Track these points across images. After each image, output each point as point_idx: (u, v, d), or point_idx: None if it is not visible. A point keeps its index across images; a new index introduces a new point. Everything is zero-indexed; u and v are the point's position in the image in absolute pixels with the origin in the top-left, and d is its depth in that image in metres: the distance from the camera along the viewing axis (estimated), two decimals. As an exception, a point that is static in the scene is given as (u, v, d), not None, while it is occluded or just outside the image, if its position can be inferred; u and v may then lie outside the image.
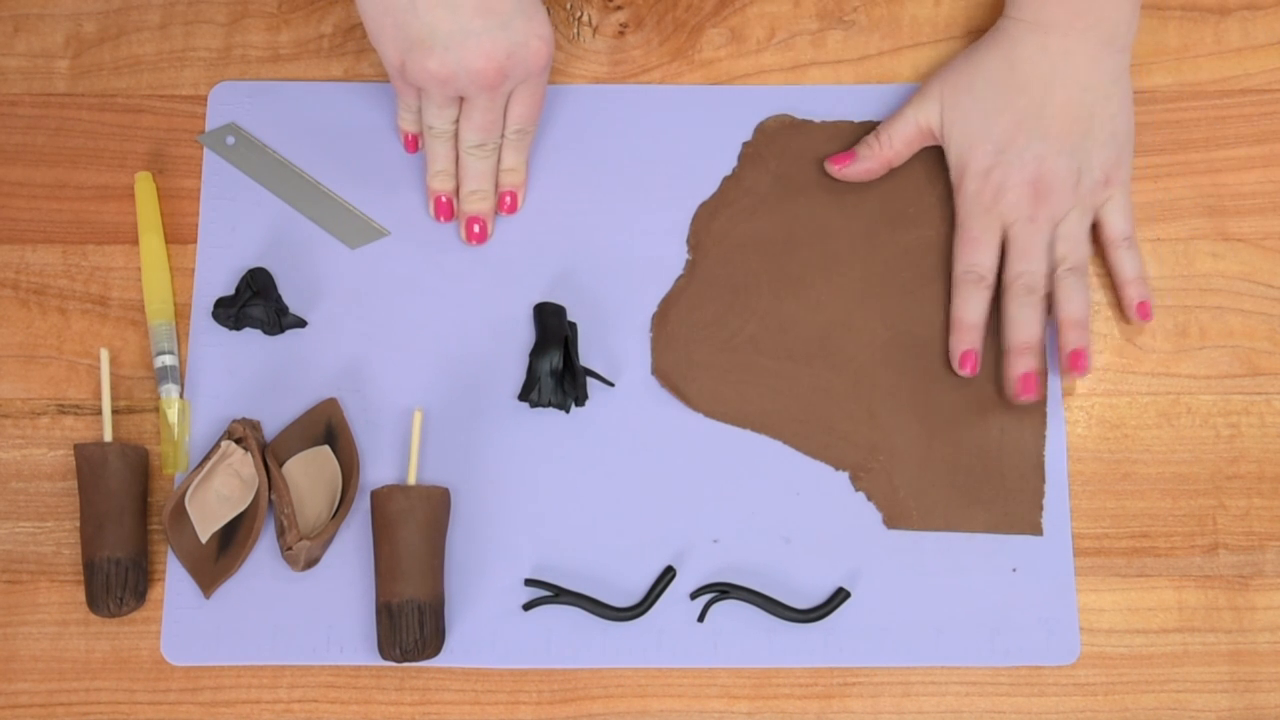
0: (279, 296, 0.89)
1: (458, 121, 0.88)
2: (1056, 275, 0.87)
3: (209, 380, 0.89)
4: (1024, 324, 0.86)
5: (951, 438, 0.88)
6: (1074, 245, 0.87)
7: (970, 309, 0.87)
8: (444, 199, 0.90)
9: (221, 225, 0.92)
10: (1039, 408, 0.88)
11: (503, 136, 0.89)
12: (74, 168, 0.93)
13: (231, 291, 0.89)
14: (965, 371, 0.87)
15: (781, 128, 0.93)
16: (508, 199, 0.90)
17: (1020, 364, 0.86)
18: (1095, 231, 0.89)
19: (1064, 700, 0.84)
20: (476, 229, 0.90)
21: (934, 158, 0.92)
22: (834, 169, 0.91)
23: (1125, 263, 0.88)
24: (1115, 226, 0.88)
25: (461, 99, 0.86)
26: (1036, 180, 0.86)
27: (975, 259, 0.87)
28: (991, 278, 0.87)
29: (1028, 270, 0.86)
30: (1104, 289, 0.91)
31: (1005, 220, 0.87)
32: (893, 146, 0.90)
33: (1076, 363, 0.86)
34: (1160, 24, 0.95)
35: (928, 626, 0.85)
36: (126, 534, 0.84)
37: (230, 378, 0.89)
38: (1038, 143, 0.86)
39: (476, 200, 0.89)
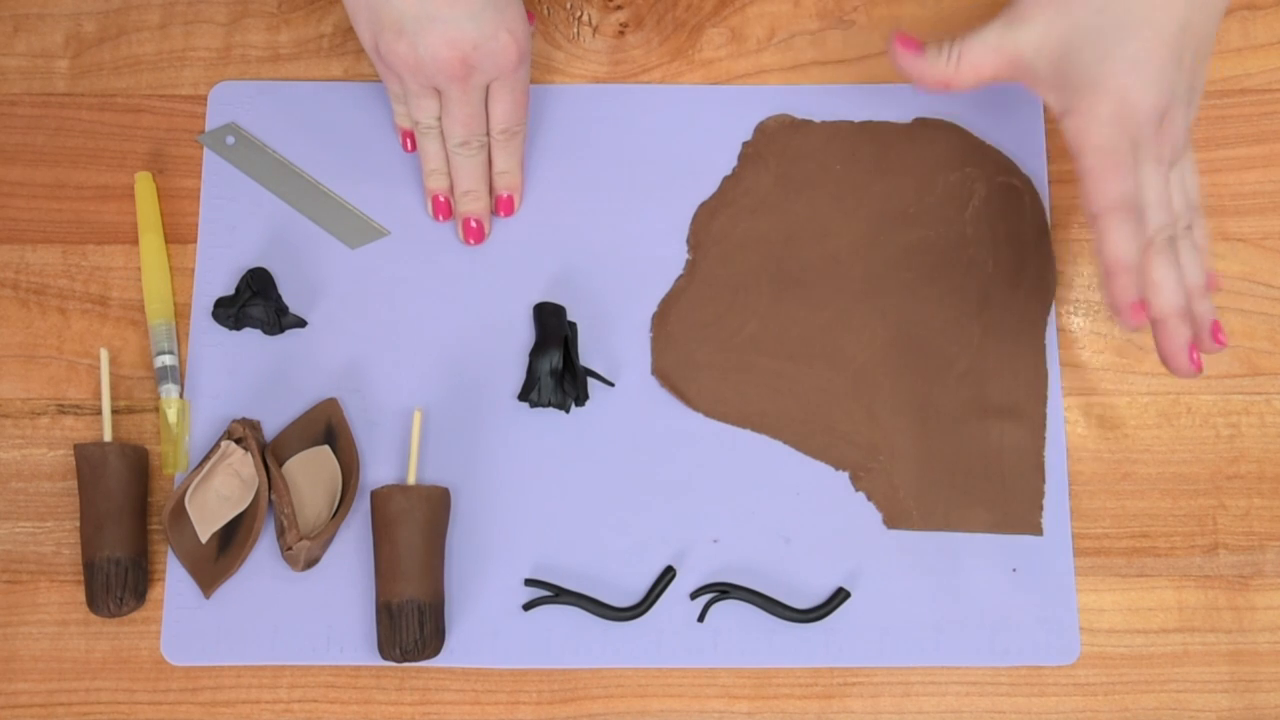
0: (279, 296, 0.89)
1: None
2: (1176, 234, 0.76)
3: (209, 380, 0.89)
4: (1172, 288, 0.75)
5: (951, 438, 0.88)
6: (1185, 202, 0.76)
7: (1126, 246, 0.73)
8: (441, 198, 0.90)
9: (221, 225, 0.92)
10: (1039, 407, 0.88)
11: (489, 136, 0.88)
12: (74, 168, 0.93)
13: (231, 291, 0.89)
14: (1135, 323, 0.74)
15: (781, 128, 0.93)
16: (503, 203, 0.90)
17: (1184, 332, 0.75)
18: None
19: (1064, 700, 0.84)
20: (474, 225, 0.90)
21: (934, 155, 0.92)
22: (896, 47, 0.79)
23: (1199, 233, 0.78)
24: (1194, 191, 0.78)
25: (439, 92, 0.86)
26: (1165, 114, 0.74)
27: (1123, 187, 0.73)
28: (1139, 210, 0.74)
29: (1167, 222, 0.75)
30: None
31: (1136, 156, 0.74)
32: (958, 66, 0.78)
33: (1217, 334, 0.77)
34: (1160, 24, 0.95)
35: (928, 626, 0.85)
36: (126, 534, 0.84)
37: (230, 378, 0.89)
38: (1173, 70, 0.73)
39: (470, 200, 0.89)
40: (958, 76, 0.78)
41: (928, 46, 0.79)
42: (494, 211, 0.91)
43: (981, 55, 0.78)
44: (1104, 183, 0.75)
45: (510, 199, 0.90)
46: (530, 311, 0.90)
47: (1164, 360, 0.76)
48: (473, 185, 0.89)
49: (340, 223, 0.91)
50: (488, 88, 0.86)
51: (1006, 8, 0.78)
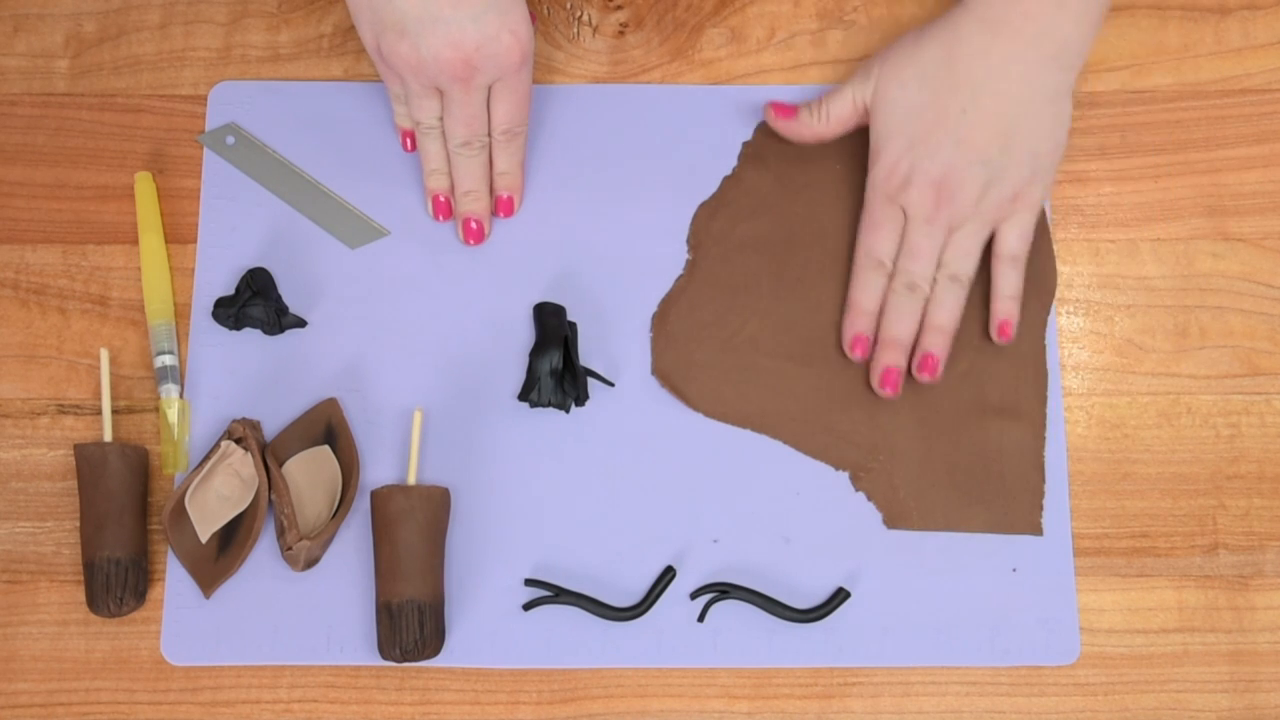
0: (279, 296, 0.89)
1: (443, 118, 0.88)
2: (935, 278, 0.86)
3: (209, 380, 0.89)
4: (897, 320, 0.87)
5: (951, 438, 0.88)
6: (961, 255, 0.86)
7: (867, 294, 0.87)
8: (441, 198, 0.90)
9: (221, 225, 0.92)
10: (1039, 407, 0.88)
11: (490, 137, 0.88)
12: (74, 168, 0.93)
13: (231, 291, 0.89)
14: (856, 355, 0.87)
15: (781, 128, 0.93)
16: (503, 203, 0.90)
17: (887, 356, 0.87)
18: (990, 243, 0.88)
19: (1064, 700, 0.84)
20: (474, 225, 0.90)
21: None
22: (770, 114, 0.90)
23: (1006, 278, 0.87)
24: (1008, 243, 0.87)
25: (441, 92, 0.86)
26: (941, 182, 0.85)
27: (875, 244, 0.87)
28: (890, 265, 0.87)
29: (914, 270, 0.86)
30: (1113, 295, 0.91)
31: (906, 214, 0.87)
32: (828, 120, 0.89)
33: (927, 364, 0.86)
34: (1160, 24, 0.95)
35: (928, 626, 0.85)
36: (126, 534, 0.84)
37: (230, 378, 0.89)
38: (951, 146, 0.85)
39: (470, 201, 0.89)
40: (829, 129, 0.90)
41: (799, 109, 0.90)
42: (494, 212, 0.91)
43: (843, 109, 0.89)
44: (862, 237, 0.88)
45: (510, 200, 0.90)
46: (530, 311, 0.90)
47: (870, 374, 0.88)
48: (473, 185, 0.89)
49: (340, 223, 0.91)
50: (489, 88, 0.86)
51: (862, 64, 0.89)
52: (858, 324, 0.87)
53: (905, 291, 0.86)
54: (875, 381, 0.87)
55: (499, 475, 0.87)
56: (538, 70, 0.94)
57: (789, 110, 0.90)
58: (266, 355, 0.89)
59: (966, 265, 0.86)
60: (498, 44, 0.83)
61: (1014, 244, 0.87)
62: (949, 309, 0.86)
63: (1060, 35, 0.84)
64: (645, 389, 0.89)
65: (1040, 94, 0.85)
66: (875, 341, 0.87)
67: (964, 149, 0.85)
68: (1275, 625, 0.85)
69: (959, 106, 0.85)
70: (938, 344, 0.86)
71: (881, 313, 0.87)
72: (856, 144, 0.93)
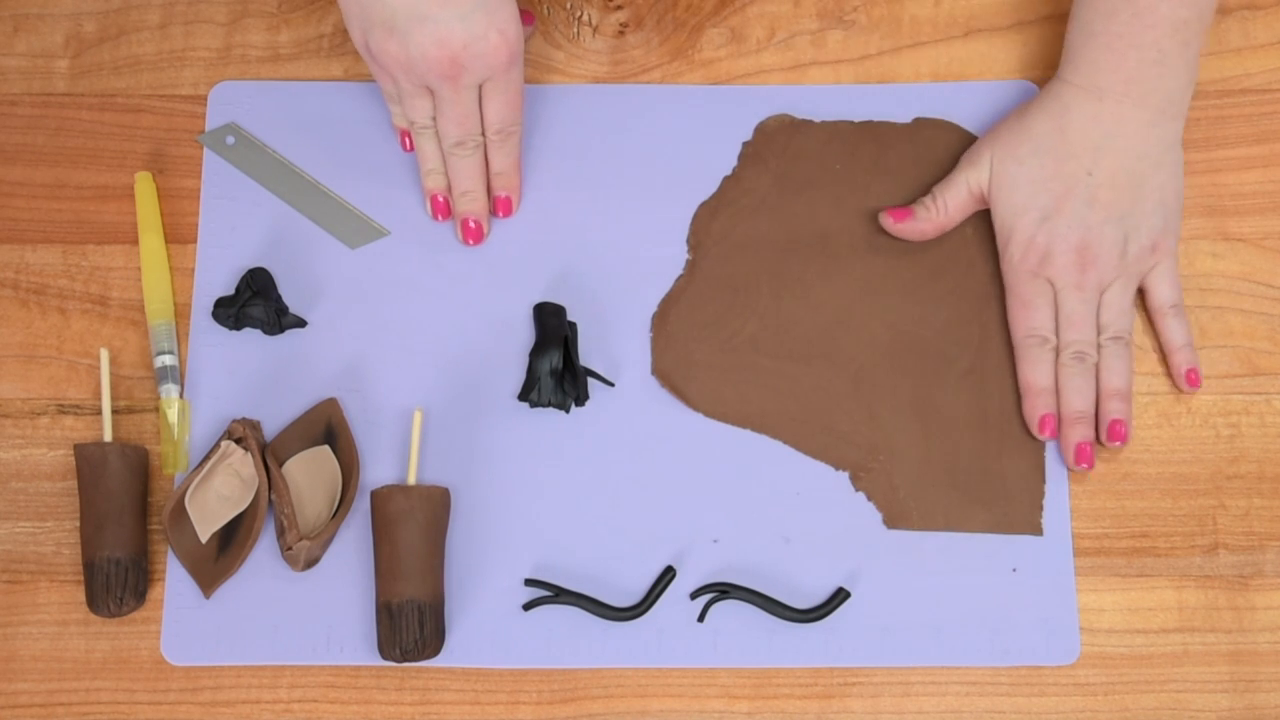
0: (279, 296, 0.89)
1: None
2: (1100, 343, 0.87)
3: (209, 380, 0.89)
4: (1078, 392, 0.86)
5: (951, 438, 0.88)
6: (1118, 313, 0.87)
7: (1039, 373, 0.87)
8: (440, 198, 0.90)
9: (221, 225, 0.92)
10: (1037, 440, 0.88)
11: (484, 136, 0.88)
12: (74, 168, 0.93)
13: (231, 291, 0.89)
14: (1045, 435, 0.86)
15: (781, 128, 0.93)
16: (501, 203, 0.90)
17: (1076, 433, 0.86)
18: (1141, 298, 0.89)
19: (1064, 700, 0.84)
20: (472, 225, 0.90)
21: (934, 155, 0.92)
22: (889, 222, 0.90)
23: (1173, 330, 0.88)
24: (1162, 294, 0.88)
25: (432, 92, 0.86)
26: (1083, 248, 0.86)
27: (1034, 322, 0.87)
28: (1054, 339, 0.87)
29: (1078, 339, 0.86)
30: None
31: (1054, 285, 0.87)
32: (947, 211, 0.89)
33: (1115, 432, 0.86)
34: (1160, 24, 0.95)
35: (928, 626, 0.85)
36: (126, 534, 0.84)
37: (230, 378, 0.89)
38: (1085, 211, 0.86)
39: (468, 201, 0.90)
40: (949, 219, 0.90)
41: (914, 208, 0.90)
42: (492, 212, 0.91)
43: (959, 197, 0.89)
44: (1015, 319, 0.88)
45: (508, 200, 0.90)
46: (530, 311, 0.90)
47: (1061, 452, 0.87)
48: (470, 185, 0.89)
49: (340, 223, 0.91)
50: (480, 87, 0.86)
51: (967, 152, 0.90)
52: (1042, 404, 0.87)
53: (1075, 364, 0.86)
54: (1070, 460, 0.86)
55: (499, 475, 0.87)
56: (538, 70, 0.94)
57: (904, 213, 0.90)
58: (266, 355, 0.89)
59: (1125, 323, 0.87)
60: (485, 43, 0.83)
61: (1167, 294, 0.88)
62: (1120, 371, 0.87)
63: (1164, 90, 0.86)
64: (645, 389, 0.89)
65: (1156, 146, 0.87)
66: (1061, 419, 0.87)
67: (1097, 209, 0.86)
68: (1275, 625, 0.85)
69: (1083, 170, 0.86)
70: (1121, 410, 0.86)
71: (1059, 392, 0.87)
72: (856, 144, 0.93)
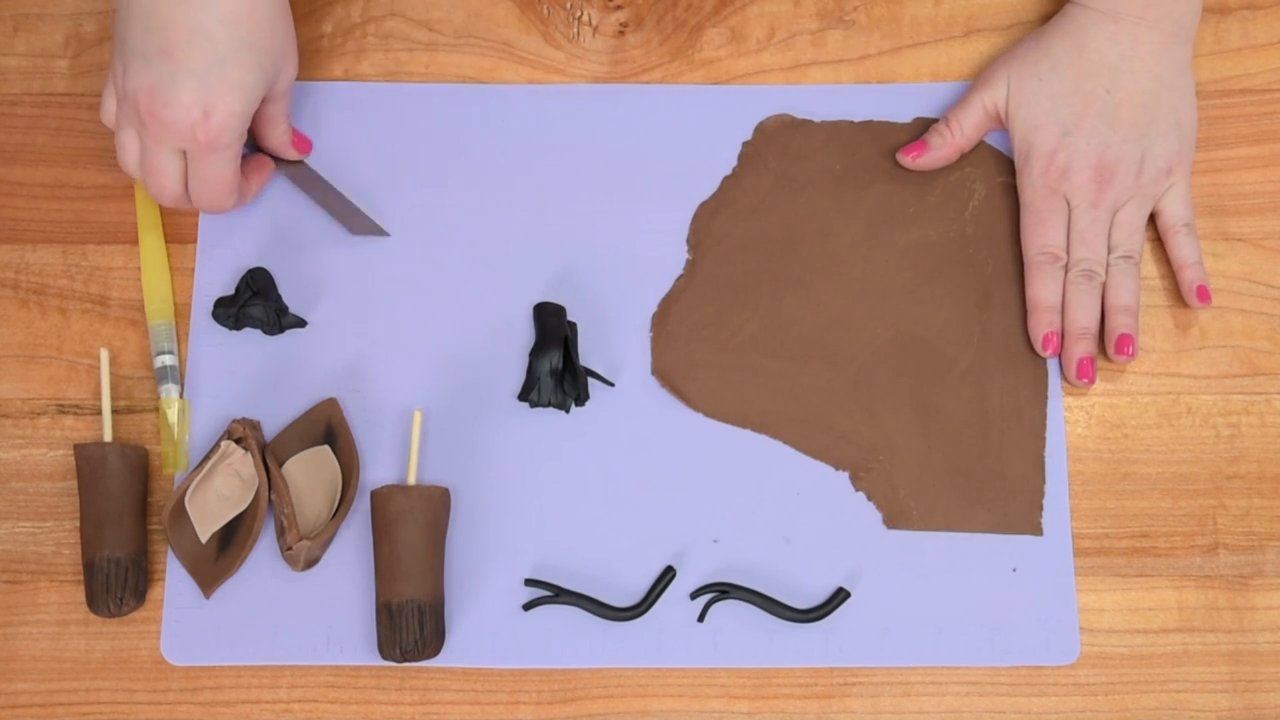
0: (279, 296, 0.89)
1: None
2: (1110, 261, 0.88)
3: (209, 380, 0.89)
4: (1083, 309, 0.87)
5: (951, 438, 0.88)
6: (1130, 233, 0.88)
7: (1047, 290, 0.88)
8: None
9: (221, 225, 0.92)
10: (1039, 407, 0.88)
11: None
12: (74, 168, 0.93)
13: (231, 291, 0.89)
14: (1048, 352, 0.87)
15: (781, 128, 0.93)
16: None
17: (1079, 348, 0.87)
18: (1153, 219, 0.90)
19: (1064, 700, 0.84)
20: None
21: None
22: (907, 159, 0.91)
23: (1185, 247, 0.89)
24: (1175, 213, 0.89)
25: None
26: (1100, 166, 0.87)
27: (1047, 239, 0.88)
28: (1064, 257, 0.88)
29: (1088, 256, 0.87)
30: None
31: (1069, 203, 0.88)
32: (963, 132, 0.90)
33: (1123, 347, 0.87)
34: (1160, 24, 0.95)
35: (928, 626, 0.85)
36: (126, 534, 0.84)
37: (230, 378, 0.89)
38: (1104, 129, 0.87)
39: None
40: (966, 139, 0.91)
41: (926, 137, 0.91)
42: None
43: (974, 115, 0.90)
44: (1029, 235, 0.89)
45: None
46: (530, 311, 0.90)
47: (1062, 368, 0.88)
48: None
49: (341, 210, 0.91)
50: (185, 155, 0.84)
51: (981, 74, 0.92)
52: (1046, 321, 0.88)
53: (1084, 280, 0.87)
54: (1071, 374, 0.87)
55: (499, 475, 0.87)
56: (538, 70, 0.94)
57: (920, 145, 0.91)
58: (266, 355, 0.89)
59: (1136, 243, 0.88)
60: (181, 110, 0.80)
61: (1181, 211, 0.89)
62: (1129, 288, 0.88)
63: (1177, 14, 0.88)
64: (645, 389, 0.89)
65: (1170, 68, 0.88)
66: (1064, 334, 0.88)
67: (1116, 128, 0.88)
68: (1275, 625, 0.85)
69: (1102, 88, 0.88)
70: (1128, 324, 0.87)
71: (1064, 306, 0.88)
72: (856, 144, 0.93)
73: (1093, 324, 0.88)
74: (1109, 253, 0.88)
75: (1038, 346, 0.88)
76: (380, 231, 0.90)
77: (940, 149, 0.91)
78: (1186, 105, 0.89)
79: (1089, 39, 0.88)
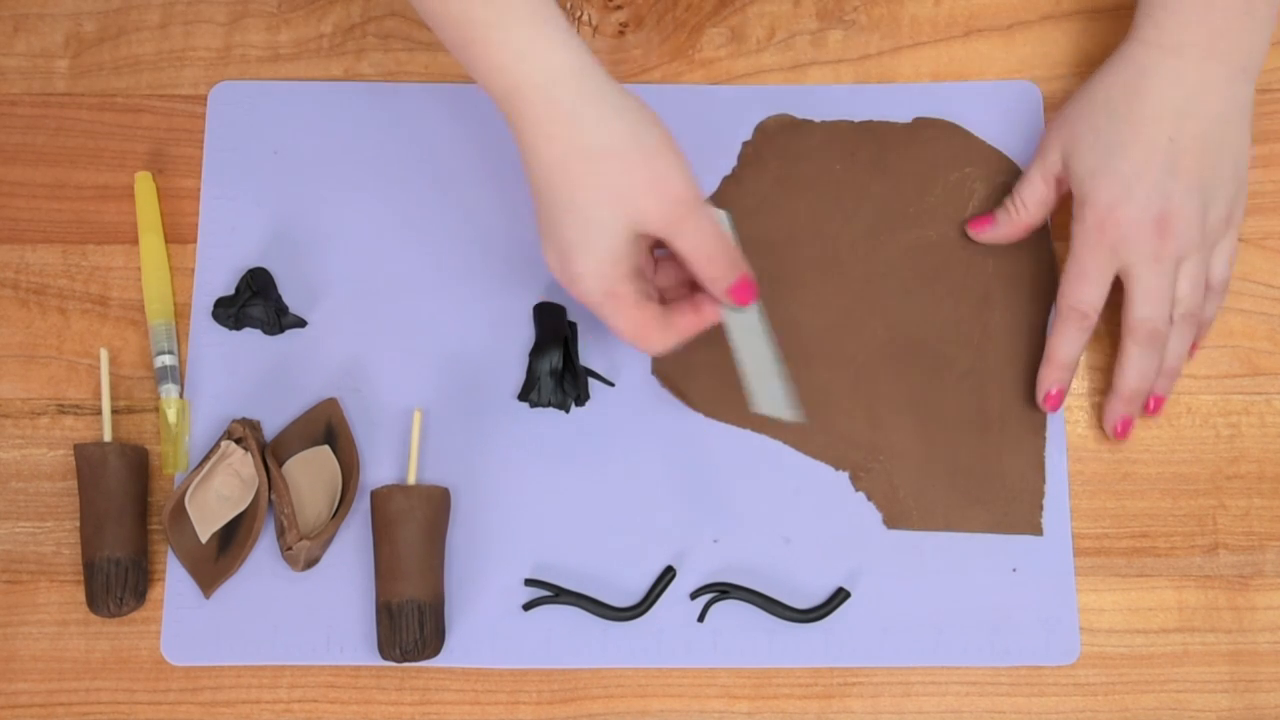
0: (279, 296, 0.89)
1: None
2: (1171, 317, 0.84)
3: (209, 380, 0.89)
4: (1140, 376, 0.84)
5: (951, 438, 0.88)
6: (1193, 287, 0.84)
7: (1068, 347, 0.85)
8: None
9: (221, 225, 0.92)
10: (1039, 408, 0.88)
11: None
12: (74, 168, 0.93)
13: (231, 291, 0.89)
14: (1048, 408, 0.86)
15: (781, 128, 0.93)
16: None
17: (1125, 408, 0.85)
18: None
19: (1064, 700, 0.84)
20: None
21: (934, 155, 0.92)
22: (972, 231, 0.89)
23: (1209, 308, 0.86)
24: (1218, 272, 0.85)
25: None
26: (1162, 219, 0.82)
27: (1083, 295, 0.84)
28: (1095, 316, 0.84)
29: (1152, 316, 0.83)
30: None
31: (1125, 260, 0.83)
32: (1027, 210, 0.88)
33: (1154, 408, 0.86)
34: (1160, 24, 0.95)
35: (928, 626, 0.85)
36: (126, 534, 0.84)
37: (230, 378, 0.89)
38: (1167, 179, 0.82)
39: None
40: (1032, 217, 0.88)
41: (995, 215, 0.89)
42: None
43: (1035, 191, 0.87)
44: (1068, 286, 0.85)
45: None
46: (530, 311, 0.90)
47: (1101, 420, 0.87)
48: None
49: (763, 382, 0.82)
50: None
51: (1038, 148, 0.88)
52: (1055, 378, 0.85)
53: (1149, 341, 0.83)
54: (1109, 430, 0.86)
55: (499, 475, 0.87)
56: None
57: (986, 220, 0.89)
58: (266, 355, 0.89)
59: (1197, 299, 0.84)
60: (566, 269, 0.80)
61: (1224, 271, 0.86)
62: (1180, 353, 0.85)
63: (1248, 44, 0.83)
64: (645, 389, 0.89)
65: (1235, 108, 0.84)
66: (1111, 391, 0.85)
67: (1179, 177, 0.82)
68: (1275, 625, 0.85)
69: (1165, 136, 0.82)
70: (1168, 388, 0.85)
71: (1118, 364, 0.84)
72: (856, 144, 0.93)
73: (1147, 386, 0.84)
74: (1172, 309, 0.83)
75: (1039, 398, 0.85)
76: (799, 418, 0.82)
77: (1005, 225, 0.88)
78: (1245, 147, 0.84)
79: (1150, 82, 0.83)
